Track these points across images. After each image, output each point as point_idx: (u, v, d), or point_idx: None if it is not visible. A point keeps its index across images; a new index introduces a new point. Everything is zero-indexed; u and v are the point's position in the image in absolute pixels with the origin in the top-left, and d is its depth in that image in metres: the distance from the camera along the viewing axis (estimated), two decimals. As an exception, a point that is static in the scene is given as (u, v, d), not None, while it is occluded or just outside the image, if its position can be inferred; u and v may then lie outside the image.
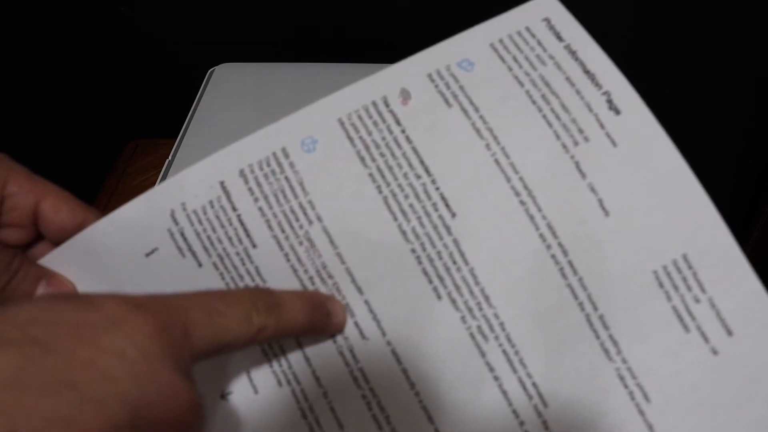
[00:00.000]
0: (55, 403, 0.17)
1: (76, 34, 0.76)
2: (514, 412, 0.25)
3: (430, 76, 0.29)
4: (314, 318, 0.25)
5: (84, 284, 0.28)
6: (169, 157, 0.53)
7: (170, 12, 0.73)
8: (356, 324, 0.27)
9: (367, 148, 0.28)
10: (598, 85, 0.27)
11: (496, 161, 0.27)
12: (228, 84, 0.62)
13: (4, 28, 0.75)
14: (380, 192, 0.27)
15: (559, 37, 0.28)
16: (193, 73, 0.66)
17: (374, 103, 0.28)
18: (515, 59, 0.28)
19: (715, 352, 0.25)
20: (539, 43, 0.28)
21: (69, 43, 0.76)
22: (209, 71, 0.64)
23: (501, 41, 0.29)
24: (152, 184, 0.50)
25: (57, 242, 0.29)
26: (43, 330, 0.18)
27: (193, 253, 0.28)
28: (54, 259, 0.28)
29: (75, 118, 0.83)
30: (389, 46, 0.75)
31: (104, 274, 0.28)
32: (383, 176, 0.27)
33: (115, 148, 0.75)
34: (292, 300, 0.25)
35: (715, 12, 0.71)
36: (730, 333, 0.25)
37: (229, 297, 0.23)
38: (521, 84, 0.28)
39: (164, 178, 0.52)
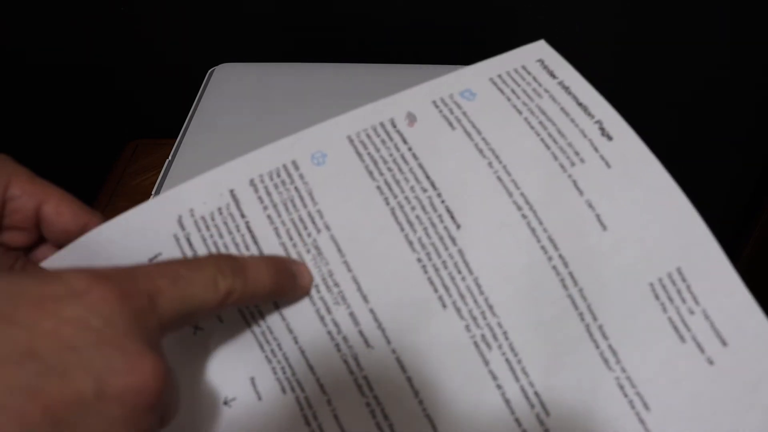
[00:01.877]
0: (17, 373, 0.17)
1: (76, 35, 0.76)
2: (517, 420, 0.26)
3: (434, 102, 0.30)
4: (280, 280, 0.26)
5: None
6: (169, 157, 0.53)
7: (170, 12, 0.73)
8: (361, 332, 0.27)
9: (375, 162, 0.29)
10: (590, 115, 0.29)
11: (499, 178, 0.28)
12: (228, 84, 0.62)
13: (4, 28, 0.75)
14: (387, 203, 0.28)
15: (553, 75, 0.30)
16: (193, 72, 0.66)
17: (382, 124, 0.30)
18: (513, 92, 0.30)
19: (711, 362, 0.26)
20: (535, 79, 0.30)
21: (69, 44, 0.76)
22: (209, 71, 0.64)
23: (500, 76, 0.31)
24: (152, 184, 0.50)
25: (59, 245, 0.29)
26: (4, 302, 0.18)
27: None
28: (56, 262, 0.28)
29: (75, 118, 0.83)
30: (390, 47, 0.75)
31: None
32: (390, 189, 0.28)
33: (116, 148, 0.75)
34: (256, 263, 0.25)
35: (715, 12, 0.71)
36: (724, 343, 0.26)
37: (193, 263, 0.23)
38: (520, 112, 0.30)
39: (164, 178, 0.51)
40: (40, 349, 0.18)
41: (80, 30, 0.75)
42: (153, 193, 0.50)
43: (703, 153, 0.84)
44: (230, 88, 0.62)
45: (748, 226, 0.87)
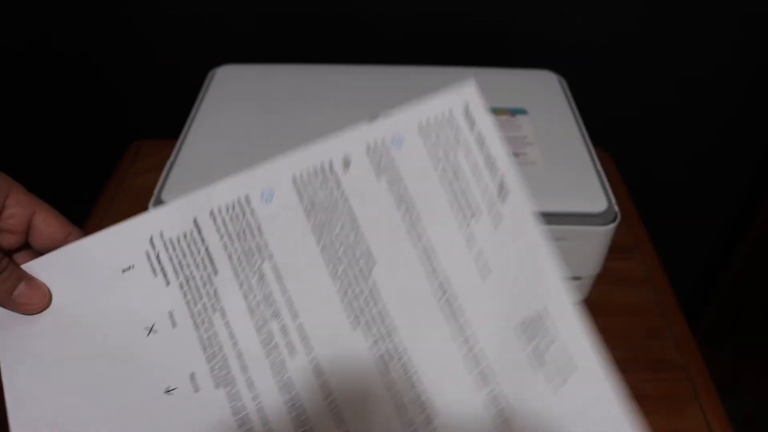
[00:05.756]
0: None
1: (78, 36, 0.77)
2: (409, 421, 0.33)
3: (368, 146, 0.35)
4: None
5: (59, 289, 0.34)
6: (171, 158, 0.55)
7: (172, 14, 0.74)
8: (288, 342, 0.33)
9: (312, 205, 0.35)
10: (495, 171, 0.34)
11: (412, 225, 0.34)
12: (229, 85, 0.63)
13: (7, 29, 0.76)
14: (319, 242, 0.34)
15: (472, 126, 0.34)
16: (194, 74, 0.67)
17: (322, 165, 0.35)
18: (437, 140, 0.35)
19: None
20: (456, 128, 0.35)
21: (72, 45, 0.78)
22: (210, 72, 0.65)
23: (428, 122, 0.35)
24: (154, 184, 0.52)
25: (41, 252, 0.35)
26: None
27: (164, 274, 0.34)
28: (36, 266, 0.34)
29: (78, 119, 0.84)
30: (390, 48, 0.76)
31: (81, 283, 0.34)
32: (322, 230, 0.34)
33: (118, 149, 0.75)
34: None
35: (717, 11, 0.71)
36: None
37: None
38: (437, 165, 0.34)
39: (166, 178, 0.53)
40: None
41: (84, 33, 0.76)
42: (155, 192, 0.51)
43: (701, 151, 0.83)
44: (231, 89, 0.63)
45: (746, 223, 0.87)
